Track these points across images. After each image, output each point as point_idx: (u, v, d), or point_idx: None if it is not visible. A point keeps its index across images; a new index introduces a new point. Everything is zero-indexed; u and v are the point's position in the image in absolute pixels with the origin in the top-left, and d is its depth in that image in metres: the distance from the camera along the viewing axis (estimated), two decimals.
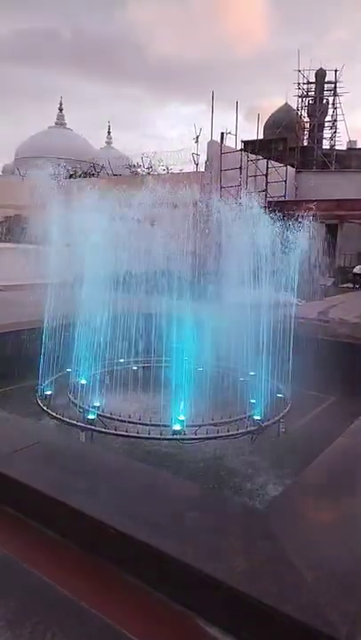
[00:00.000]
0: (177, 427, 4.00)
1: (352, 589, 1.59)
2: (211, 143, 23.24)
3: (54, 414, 4.31)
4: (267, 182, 24.11)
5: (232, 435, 4.08)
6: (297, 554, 1.73)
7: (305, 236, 5.88)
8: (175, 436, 3.96)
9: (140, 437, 3.91)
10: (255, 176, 23.54)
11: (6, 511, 2.17)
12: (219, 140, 23.53)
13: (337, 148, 37.96)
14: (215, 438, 4.01)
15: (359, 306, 12.16)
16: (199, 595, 1.66)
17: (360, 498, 2.25)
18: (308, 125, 38.57)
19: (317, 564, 1.69)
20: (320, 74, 37.49)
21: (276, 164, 25.44)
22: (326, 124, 38.40)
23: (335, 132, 38.04)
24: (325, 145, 38.31)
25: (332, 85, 37.42)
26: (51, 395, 4.69)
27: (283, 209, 24.31)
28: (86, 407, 4.33)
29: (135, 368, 5.77)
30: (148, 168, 31.93)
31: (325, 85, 37.83)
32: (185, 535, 1.83)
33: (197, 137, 24.53)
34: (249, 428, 4.18)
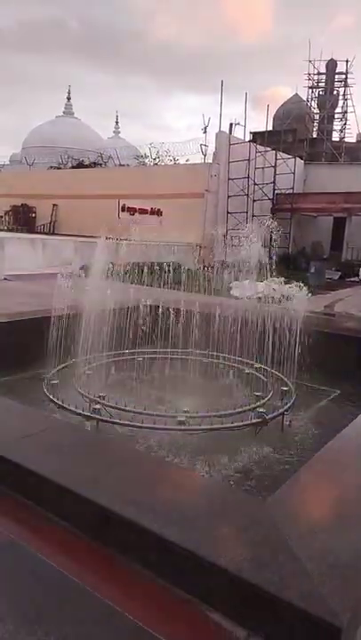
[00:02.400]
0: (181, 417, 4.03)
1: (354, 579, 1.61)
2: (219, 134, 23.06)
3: (60, 403, 4.35)
4: (275, 174, 23.95)
5: (236, 426, 4.10)
6: (299, 543, 1.75)
7: None
8: (180, 427, 3.99)
9: (144, 427, 3.94)
10: (263, 168, 23.39)
11: (14, 497, 2.20)
12: (227, 131, 23.36)
13: (347, 140, 37.60)
14: (219, 430, 4.04)
15: None
16: (202, 581, 1.69)
17: None
18: (317, 117, 38.19)
19: (320, 554, 1.72)
20: (331, 65, 37.06)
21: (285, 155, 25.24)
22: (336, 116, 38.01)
23: (345, 124, 37.68)
24: (335, 137, 37.97)
25: (343, 76, 36.97)
26: (57, 384, 4.73)
27: (291, 202, 24.21)
28: (92, 397, 4.37)
29: (141, 359, 5.80)
30: (155, 159, 31.79)
31: (336, 76, 37.38)
32: (188, 523, 1.86)
33: (206, 127, 24.38)
34: (253, 420, 4.19)
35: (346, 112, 37.48)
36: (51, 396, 4.48)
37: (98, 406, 4.18)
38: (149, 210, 23.20)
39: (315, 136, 37.01)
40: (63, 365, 5.09)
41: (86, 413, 4.14)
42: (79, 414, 4.16)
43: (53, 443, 2.59)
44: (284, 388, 4.86)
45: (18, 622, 1.58)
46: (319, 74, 37.22)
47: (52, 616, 1.63)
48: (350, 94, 36.91)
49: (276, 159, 24.12)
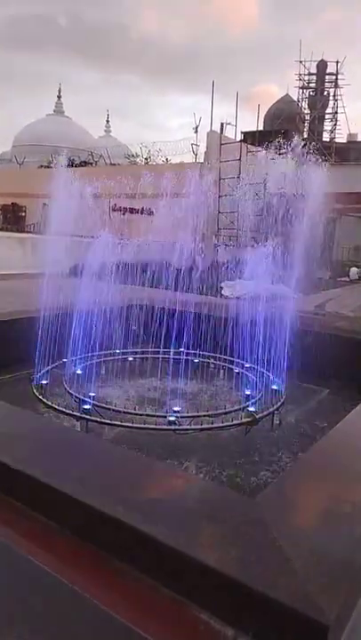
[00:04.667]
0: (172, 417, 4.02)
1: (342, 577, 1.62)
2: (210, 134, 23.10)
3: (49, 403, 4.32)
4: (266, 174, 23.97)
5: (227, 426, 4.11)
6: (288, 541, 1.76)
7: None
8: (170, 427, 3.98)
9: (134, 427, 3.93)
10: (254, 167, 23.40)
11: (2, 498, 2.19)
12: (218, 131, 23.39)
13: (337, 140, 37.83)
14: (210, 429, 4.04)
15: (355, 299, 12.20)
16: (191, 581, 1.68)
17: (352, 488, 2.28)
18: (308, 117, 38.40)
19: (308, 553, 1.72)
20: (321, 66, 37.29)
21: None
22: (327, 117, 38.25)
23: (335, 125, 37.92)
24: (325, 137, 38.19)
25: (333, 77, 37.21)
26: (46, 384, 4.70)
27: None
28: (81, 397, 4.35)
29: (131, 359, 5.79)
30: (146, 158, 31.77)
31: (326, 77, 37.62)
32: (177, 522, 1.86)
33: (197, 127, 24.41)
34: (244, 420, 4.20)
35: (336, 113, 37.72)
36: (40, 397, 4.46)
37: (87, 406, 4.17)
38: (140, 209, 23.16)
39: (305, 136, 37.18)
40: (53, 365, 5.06)
41: (76, 413, 4.13)
42: (68, 414, 4.14)
43: (42, 443, 2.58)
44: (275, 387, 4.88)
45: (4, 622, 1.57)
46: (310, 74, 37.43)
47: (40, 617, 1.62)
48: (340, 95, 37.18)
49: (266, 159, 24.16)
